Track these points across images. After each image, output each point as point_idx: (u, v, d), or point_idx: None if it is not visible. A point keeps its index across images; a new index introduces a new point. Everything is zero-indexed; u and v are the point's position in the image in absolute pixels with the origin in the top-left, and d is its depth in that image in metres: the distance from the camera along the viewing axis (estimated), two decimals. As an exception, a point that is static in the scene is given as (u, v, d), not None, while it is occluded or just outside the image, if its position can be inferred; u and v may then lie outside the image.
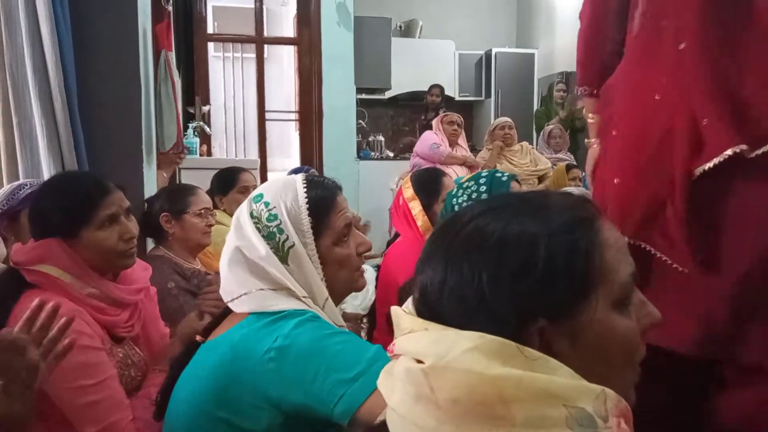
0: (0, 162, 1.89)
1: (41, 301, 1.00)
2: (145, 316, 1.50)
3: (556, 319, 0.54)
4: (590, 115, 1.52)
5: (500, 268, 0.54)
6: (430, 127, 4.71)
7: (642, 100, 1.20)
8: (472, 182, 1.52)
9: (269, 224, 1.07)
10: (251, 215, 1.08)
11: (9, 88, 1.86)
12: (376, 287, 2.33)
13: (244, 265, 1.07)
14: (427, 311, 0.58)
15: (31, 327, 0.97)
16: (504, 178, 1.61)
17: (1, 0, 1.83)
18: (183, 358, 1.13)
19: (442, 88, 5.89)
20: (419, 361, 0.54)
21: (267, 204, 1.08)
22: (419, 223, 2.26)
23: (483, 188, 1.50)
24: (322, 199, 1.11)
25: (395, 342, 0.59)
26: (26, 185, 1.70)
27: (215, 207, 2.63)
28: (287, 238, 1.06)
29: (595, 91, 1.47)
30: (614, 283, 0.56)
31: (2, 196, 1.67)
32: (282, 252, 1.06)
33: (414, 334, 0.57)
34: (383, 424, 0.59)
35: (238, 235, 1.09)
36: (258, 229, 1.07)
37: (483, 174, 1.60)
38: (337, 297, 1.15)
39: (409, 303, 0.62)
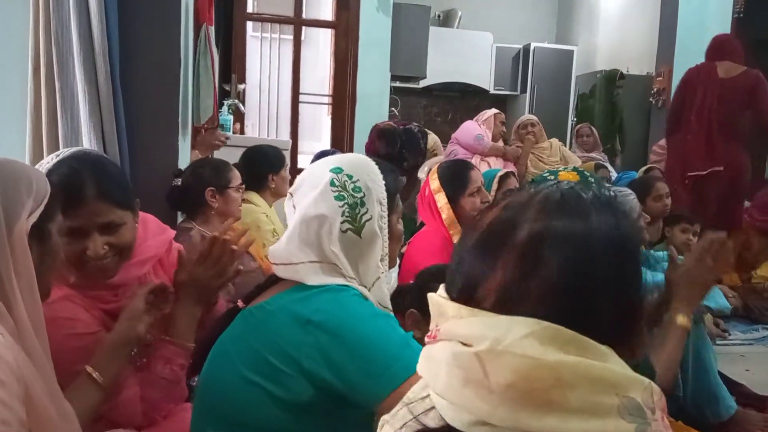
0: (42, 127, 1.93)
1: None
2: (161, 278, 1.43)
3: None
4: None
5: (601, 273, 0.55)
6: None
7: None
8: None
9: (355, 194, 1.10)
10: (332, 184, 1.10)
11: (53, 54, 1.88)
12: (398, 274, 2.33)
13: (304, 235, 1.09)
14: (468, 301, 0.57)
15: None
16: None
17: (50, -34, 1.85)
18: (222, 322, 1.16)
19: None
20: (466, 345, 0.54)
21: (350, 176, 1.12)
22: (444, 216, 2.24)
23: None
24: (392, 179, 1.19)
25: (440, 327, 0.58)
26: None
27: (263, 187, 2.67)
28: (367, 212, 1.11)
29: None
30: None
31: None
32: (358, 224, 1.10)
33: (464, 319, 0.56)
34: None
35: (310, 201, 1.10)
36: (342, 197, 1.09)
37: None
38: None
39: (441, 290, 0.61)
